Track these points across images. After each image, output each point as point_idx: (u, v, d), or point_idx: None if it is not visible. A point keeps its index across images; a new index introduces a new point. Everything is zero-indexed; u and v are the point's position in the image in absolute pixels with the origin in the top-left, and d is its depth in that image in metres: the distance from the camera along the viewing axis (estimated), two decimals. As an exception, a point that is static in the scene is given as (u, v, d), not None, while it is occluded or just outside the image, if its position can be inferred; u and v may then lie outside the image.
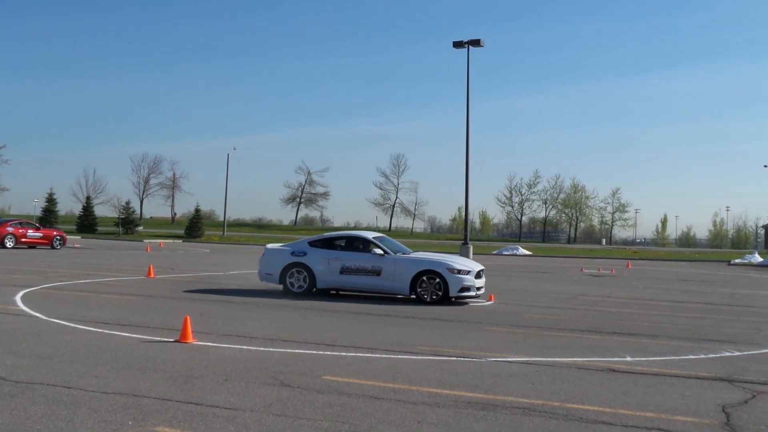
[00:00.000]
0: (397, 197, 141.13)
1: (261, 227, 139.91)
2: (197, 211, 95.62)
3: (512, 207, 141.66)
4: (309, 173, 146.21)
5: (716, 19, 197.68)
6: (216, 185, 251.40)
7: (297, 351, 10.73)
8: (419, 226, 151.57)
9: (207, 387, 8.18)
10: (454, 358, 10.52)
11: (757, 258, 61.85)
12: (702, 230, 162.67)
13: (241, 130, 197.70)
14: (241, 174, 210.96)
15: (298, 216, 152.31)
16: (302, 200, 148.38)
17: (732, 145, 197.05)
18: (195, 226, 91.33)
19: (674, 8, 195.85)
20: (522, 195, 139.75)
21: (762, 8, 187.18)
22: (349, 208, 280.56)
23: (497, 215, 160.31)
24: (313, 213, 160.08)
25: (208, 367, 9.30)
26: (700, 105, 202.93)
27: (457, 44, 50.65)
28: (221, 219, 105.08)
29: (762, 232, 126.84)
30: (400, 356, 10.57)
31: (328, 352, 10.68)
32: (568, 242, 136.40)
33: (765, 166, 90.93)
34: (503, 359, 10.58)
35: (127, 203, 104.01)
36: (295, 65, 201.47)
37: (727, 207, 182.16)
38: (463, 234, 56.23)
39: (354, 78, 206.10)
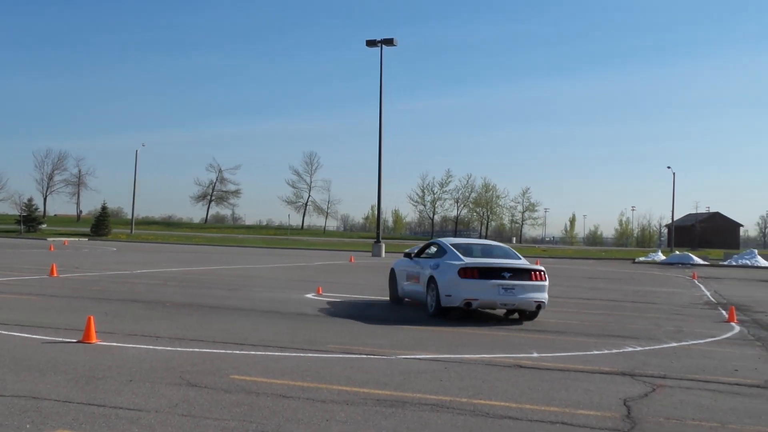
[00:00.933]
0: (309, 195, 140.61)
1: (170, 225, 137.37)
2: (104, 208, 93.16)
3: (425, 206, 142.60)
4: (220, 171, 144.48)
5: (622, 24, 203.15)
6: (124, 182, 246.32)
7: (205, 350, 10.56)
8: (332, 224, 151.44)
9: (110, 388, 7.97)
10: (364, 356, 10.52)
11: (660, 256, 63.82)
12: (609, 229, 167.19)
13: (150, 126, 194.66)
14: (150, 171, 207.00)
15: (209, 214, 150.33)
16: (213, 198, 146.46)
17: (637, 146, 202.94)
18: (101, 224, 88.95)
19: (581, 13, 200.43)
20: (434, 194, 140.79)
21: (666, 14, 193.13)
22: (262, 206, 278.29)
23: (410, 214, 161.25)
24: (224, 211, 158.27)
25: (112, 368, 9.07)
26: (607, 107, 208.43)
27: (371, 43, 50.78)
28: (129, 217, 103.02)
29: (665, 231, 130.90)
30: (310, 355, 10.52)
31: (237, 351, 10.55)
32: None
33: (668, 168, 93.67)
34: (413, 356, 10.63)
35: (30, 200, 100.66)
36: (208, 61, 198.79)
37: (632, 207, 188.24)
38: (375, 232, 56.34)
39: (267, 75, 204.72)
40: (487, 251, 16.47)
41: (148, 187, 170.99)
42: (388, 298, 19.23)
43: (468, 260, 15.36)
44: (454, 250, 15.93)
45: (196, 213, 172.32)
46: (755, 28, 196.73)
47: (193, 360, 9.77)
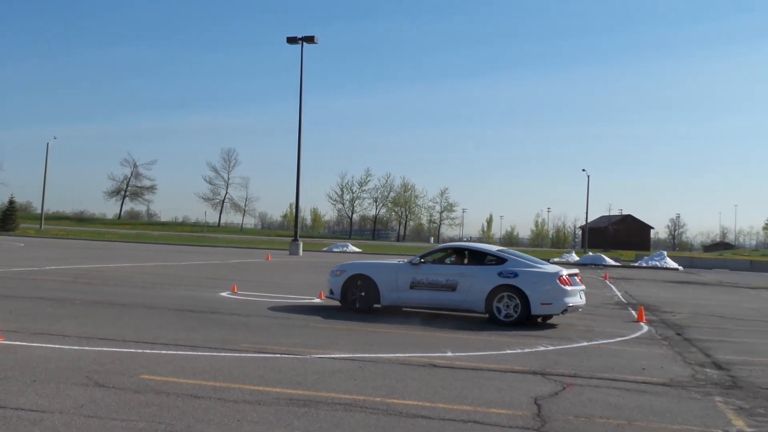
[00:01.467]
0: (227, 192, 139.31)
1: (82, 221, 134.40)
2: (11, 202, 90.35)
3: (343, 204, 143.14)
4: (135, 165, 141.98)
5: (537, 27, 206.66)
6: (34, 176, 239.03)
7: (114, 350, 10.32)
8: (250, 222, 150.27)
9: (13, 389, 7.71)
10: (278, 356, 10.43)
11: (574, 257, 65.28)
12: (525, 230, 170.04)
13: (63, 119, 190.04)
14: (62, 165, 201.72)
15: (123, 210, 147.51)
16: (127, 193, 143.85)
17: (554, 148, 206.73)
18: (9, 219, 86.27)
19: (498, 15, 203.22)
20: (353, 193, 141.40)
21: (577, 19, 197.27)
22: (178, 202, 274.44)
23: (329, 212, 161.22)
24: (139, 207, 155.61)
25: (15, 368, 8.77)
26: (524, 109, 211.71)
27: (291, 40, 50.54)
28: (38, 211, 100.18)
29: (579, 232, 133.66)
30: (222, 354, 10.38)
31: (148, 351, 10.33)
32: (398, 240, 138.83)
33: (583, 170, 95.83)
34: (327, 356, 10.58)
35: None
36: (124, 55, 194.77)
37: (548, 208, 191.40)
38: (293, 230, 56.09)
39: (185, 70, 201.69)
40: (522, 256, 16.64)
41: (60, 181, 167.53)
42: (304, 298, 19.13)
43: (552, 267, 16.04)
44: (517, 258, 16.19)
45: (109, 209, 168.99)
46: (666, 33, 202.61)
47: (101, 359, 9.53)
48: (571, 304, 15.39)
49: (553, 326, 15.24)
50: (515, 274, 15.37)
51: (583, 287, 16.02)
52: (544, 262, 16.79)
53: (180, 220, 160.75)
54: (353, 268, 16.96)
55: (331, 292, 17.00)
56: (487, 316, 15.49)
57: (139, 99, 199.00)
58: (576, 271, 16.34)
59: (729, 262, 68.09)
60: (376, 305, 16.53)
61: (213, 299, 17.95)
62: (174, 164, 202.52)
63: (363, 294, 16.48)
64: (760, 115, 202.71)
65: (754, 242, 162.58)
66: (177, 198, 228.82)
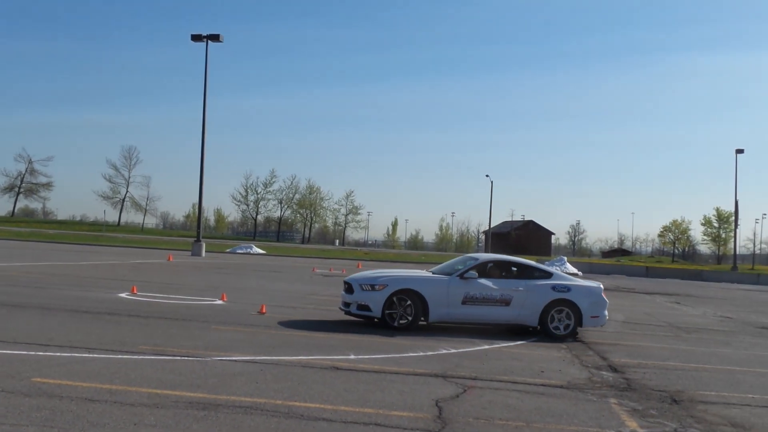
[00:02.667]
0: (128, 191, 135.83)
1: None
2: None
3: (248, 205, 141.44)
4: (30, 162, 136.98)
5: (446, 35, 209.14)
6: None
7: (4, 352, 9.93)
8: (151, 221, 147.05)
9: None
10: (178, 358, 10.23)
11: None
12: (430, 234, 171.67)
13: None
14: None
15: (17, 207, 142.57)
16: (22, 190, 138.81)
17: (459, 154, 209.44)
18: None
19: (410, 20, 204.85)
20: (258, 194, 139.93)
21: (486, 28, 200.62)
22: (76, 200, 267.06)
23: (233, 213, 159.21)
24: (34, 204, 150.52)
25: None
26: (429, 115, 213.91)
27: (196, 38, 49.84)
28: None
29: (483, 237, 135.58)
30: (120, 356, 10.12)
31: (41, 353, 9.99)
32: (303, 242, 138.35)
33: (487, 176, 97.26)
34: (228, 358, 10.44)
35: None
36: (19, 47, 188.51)
37: (452, 213, 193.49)
38: (196, 231, 55.24)
39: (85, 65, 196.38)
40: (559, 270, 16.74)
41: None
42: (206, 299, 18.88)
43: (594, 282, 16.49)
44: (558, 271, 16.36)
45: (2, 206, 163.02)
46: (567, 44, 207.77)
47: (-9, 362, 9.17)
48: (608, 317, 16.23)
49: (457, 330, 15.37)
50: (568, 288, 15.56)
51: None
52: (574, 276, 17.13)
53: (78, 218, 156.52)
54: (397, 283, 15.30)
55: (362, 308, 15.22)
56: (540, 329, 15.53)
57: (36, 94, 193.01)
58: None
59: (626, 268, 70.29)
60: (422, 322, 15.33)
61: (111, 300, 17.50)
62: (72, 161, 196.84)
63: (410, 310, 15.04)
64: (658, 125, 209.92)
65: (650, 249, 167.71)
66: (75, 196, 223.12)
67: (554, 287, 15.51)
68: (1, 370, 8.70)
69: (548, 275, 15.90)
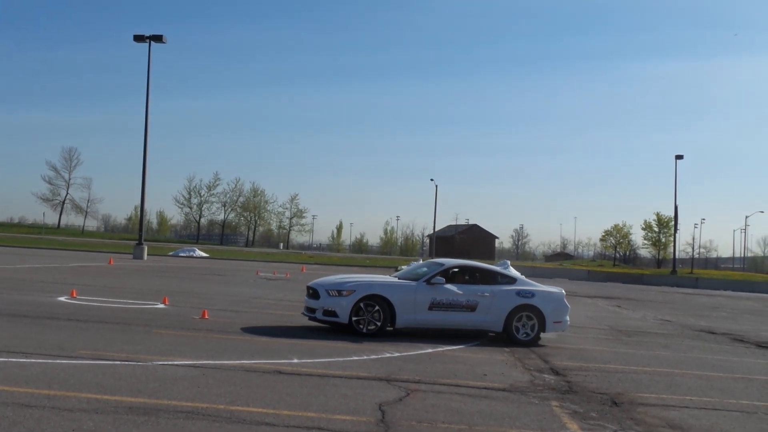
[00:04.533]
0: (68, 193, 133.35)
1: None
2: None
3: (191, 208, 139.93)
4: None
5: (394, 37, 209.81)
6: None
7: (-61, 357, 9.71)
8: (92, 224, 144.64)
9: None
10: (118, 363, 10.09)
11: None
12: (374, 237, 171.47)
13: None
14: None
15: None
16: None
17: (404, 158, 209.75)
18: None
19: (354, 22, 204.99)
20: (201, 197, 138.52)
21: (438, 31, 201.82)
22: (13, 202, 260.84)
23: (176, 216, 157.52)
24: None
25: None
26: (373, 117, 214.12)
27: (138, 38, 49.34)
28: None
29: (427, 240, 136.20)
30: (58, 361, 9.93)
31: (-24, 358, 9.78)
32: (246, 245, 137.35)
33: (431, 180, 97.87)
34: (170, 362, 10.32)
35: None
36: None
37: (397, 216, 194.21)
38: (138, 234, 54.55)
39: (23, 64, 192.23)
40: (520, 275, 16.98)
41: None
42: (148, 303, 18.66)
43: (552, 287, 16.55)
44: (521, 276, 16.42)
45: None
46: (518, 51, 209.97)
47: (-77, 367, 8.94)
48: (569, 322, 16.36)
49: (401, 334, 15.39)
50: (532, 294, 15.62)
51: None
52: (535, 282, 17.05)
53: (16, 220, 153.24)
54: (365, 288, 15.12)
55: (328, 314, 15.00)
56: (504, 335, 15.52)
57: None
58: None
59: (568, 272, 71.16)
60: (388, 328, 15.11)
61: (50, 304, 17.17)
62: (10, 162, 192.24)
63: (378, 316, 14.87)
64: (601, 130, 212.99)
65: (591, 253, 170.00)
66: (13, 198, 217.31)
67: (519, 293, 15.60)
68: (-66, 375, 8.50)
69: (512, 281, 16.07)
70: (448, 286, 15.43)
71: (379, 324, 14.82)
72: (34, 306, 16.52)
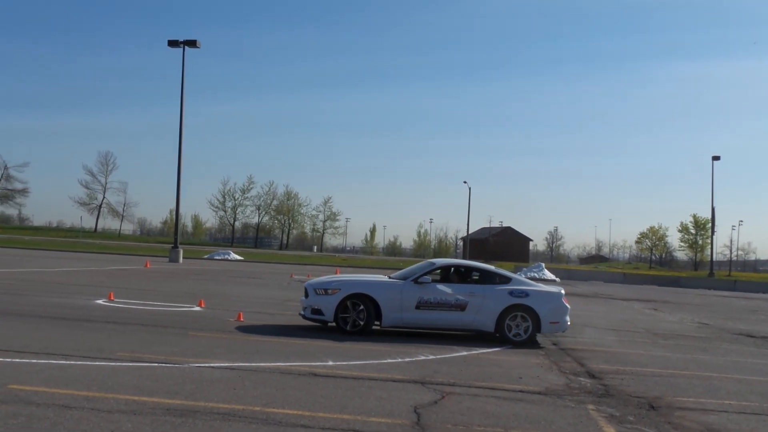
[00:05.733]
0: (104, 197, 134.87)
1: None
2: None
3: (225, 211, 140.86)
4: (6, 168, 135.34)
5: (425, 39, 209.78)
6: None
7: (-20, 358, 9.86)
8: (128, 228, 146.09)
9: None
10: (155, 364, 10.18)
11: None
12: (408, 240, 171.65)
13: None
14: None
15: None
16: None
17: (437, 160, 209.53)
18: None
19: (385, 26, 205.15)
20: (235, 200, 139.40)
21: (468, 31, 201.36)
22: (52, 206, 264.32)
23: (210, 219, 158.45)
24: (10, 210, 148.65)
25: None
26: (407, 121, 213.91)
27: (173, 43, 49.74)
28: None
29: (461, 243, 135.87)
30: (97, 363, 10.05)
31: (17, 360, 9.92)
32: (281, 248, 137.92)
33: (465, 182, 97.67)
34: (206, 365, 10.39)
35: None
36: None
37: (430, 219, 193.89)
38: (173, 237, 54.97)
39: (61, 69, 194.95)
40: (519, 275, 16.74)
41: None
42: (183, 306, 18.81)
43: (557, 287, 16.32)
44: (518, 276, 16.15)
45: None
46: (545, 49, 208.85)
47: (-34, 369, 9.09)
48: (569, 323, 15.91)
49: (436, 336, 15.37)
50: (526, 294, 15.38)
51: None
52: (534, 281, 16.92)
53: (54, 225, 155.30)
54: (350, 287, 15.41)
55: (316, 312, 15.32)
56: (497, 335, 15.35)
57: (11, 99, 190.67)
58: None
59: (603, 275, 70.58)
60: (375, 327, 15.36)
61: (88, 307, 17.39)
62: (49, 167, 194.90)
63: (363, 315, 15.08)
64: (636, 132, 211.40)
65: (627, 255, 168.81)
66: (52, 202, 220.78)
67: (512, 292, 15.38)
68: (-24, 377, 8.64)
69: (507, 280, 15.80)
70: (437, 285, 15.51)
71: (363, 322, 15.04)
72: (73, 309, 16.73)
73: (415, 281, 15.44)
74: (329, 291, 15.31)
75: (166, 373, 9.60)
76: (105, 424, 6.90)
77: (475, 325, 15.36)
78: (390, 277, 16.46)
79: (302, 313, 15.83)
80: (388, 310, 15.15)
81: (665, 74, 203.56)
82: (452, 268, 16.38)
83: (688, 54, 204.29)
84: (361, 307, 15.07)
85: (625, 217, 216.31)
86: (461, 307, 15.26)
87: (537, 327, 15.25)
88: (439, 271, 16.11)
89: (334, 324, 15.17)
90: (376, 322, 15.22)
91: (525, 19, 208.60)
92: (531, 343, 15.11)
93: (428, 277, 15.47)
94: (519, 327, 15.24)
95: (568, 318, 15.81)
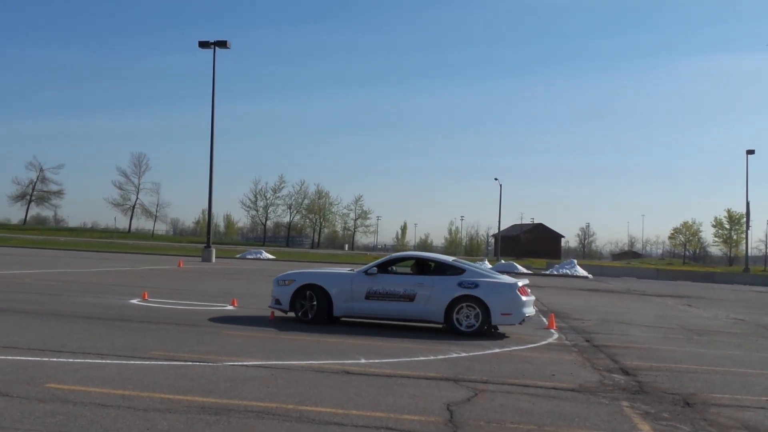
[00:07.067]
0: (137, 198, 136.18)
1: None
2: None
3: (257, 211, 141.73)
4: (41, 170, 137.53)
5: (452, 39, 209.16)
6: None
7: (19, 358, 10.00)
8: (161, 228, 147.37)
9: None
10: (189, 363, 10.27)
11: (487, 265, 65.93)
12: (439, 237, 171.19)
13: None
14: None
15: (29, 215, 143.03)
16: (33, 198, 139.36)
17: (467, 157, 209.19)
18: None
19: (417, 24, 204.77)
20: (267, 199, 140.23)
21: (499, 29, 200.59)
22: (86, 207, 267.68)
23: (242, 219, 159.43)
24: (45, 212, 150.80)
25: None
26: (437, 118, 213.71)
27: (203, 44, 50.03)
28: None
29: (492, 240, 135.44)
30: (132, 362, 10.16)
31: (54, 359, 10.05)
32: (312, 247, 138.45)
33: (495, 179, 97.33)
34: (240, 363, 10.47)
35: None
36: (29, 54, 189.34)
37: (461, 216, 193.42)
38: (206, 237, 55.36)
39: (94, 72, 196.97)
40: (478, 267, 16.53)
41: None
42: (216, 305, 18.95)
43: (508, 278, 16.11)
44: (475, 268, 16.09)
45: (14, 214, 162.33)
46: (578, 45, 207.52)
47: (5, 368, 9.22)
48: (527, 315, 15.61)
49: (468, 334, 15.36)
50: (476, 285, 15.30)
51: (534, 298, 16.25)
52: (496, 272, 16.82)
53: (89, 225, 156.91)
54: (303, 278, 16.20)
55: (277, 302, 16.19)
56: (445, 326, 15.43)
57: (45, 101, 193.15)
58: (528, 281, 16.46)
59: (636, 271, 70.10)
60: (329, 316, 15.85)
61: (122, 306, 17.58)
62: (83, 168, 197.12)
63: (315, 305, 15.73)
64: (668, 127, 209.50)
65: (660, 251, 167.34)
66: (86, 203, 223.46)
67: (461, 283, 15.33)
68: (15, 376, 8.77)
69: (460, 271, 15.73)
70: (386, 276, 15.84)
71: (313, 312, 15.72)
72: (108, 308, 16.93)
73: (366, 272, 15.94)
74: (286, 282, 16.16)
75: (200, 372, 9.69)
76: (141, 422, 6.97)
77: (425, 316, 15.54)
78: (350, 270, 16.86)
79: (270, 303, 16.58)
80: (338, 300, 15.74)
81: (699, 69, 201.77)
82: (403, 260, 16.96)
83: (722, 48, 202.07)
84: (312, 297, 15.77)
85: (657, 212, 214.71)
86: (410, 297, 15.47)
87: (487, 318, 15.16)
88: (391, 262, 16.52)
89: (292, 314, 16.04)
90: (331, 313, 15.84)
91: (559, 15, 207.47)
92: (481, 334, 15.03)
93: (375, 269, 15.96)
94: (469, 318, 15.23)
95: (526, 310, 15.44)
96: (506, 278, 16.08)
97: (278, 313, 16.59)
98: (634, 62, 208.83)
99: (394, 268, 16.38)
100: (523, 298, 15.36)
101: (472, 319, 15.18)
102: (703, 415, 8.86)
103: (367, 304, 15.66)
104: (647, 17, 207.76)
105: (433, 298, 15.36)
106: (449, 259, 16.91)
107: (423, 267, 16.25)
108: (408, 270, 16.35)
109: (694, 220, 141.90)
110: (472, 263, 17.12)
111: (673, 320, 22.31)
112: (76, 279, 27.04)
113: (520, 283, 15.64)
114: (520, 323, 15.62)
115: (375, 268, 15.97)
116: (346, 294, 15.71)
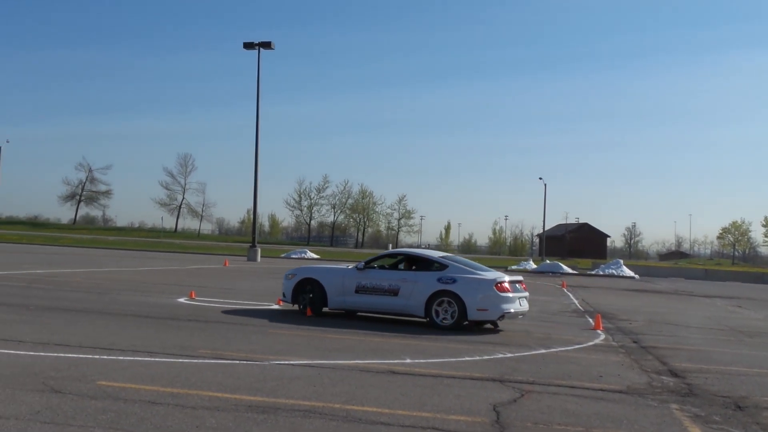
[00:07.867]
0: (184, 198, 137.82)
1: (36, 225, 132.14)
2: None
3: (301, 211, 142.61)
4: (90, 170, 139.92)
5: (492, 35, 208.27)
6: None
7: (70, 355, 10.18)
8: (207, 227, 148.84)
9: (-34, 395, 7.56)
10: (237, 362, 10.36)
11: (531, 264, 65.87)
12: (483, 237, 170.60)
13: (16, 121, 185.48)
14: (15, 168, 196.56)
15: (79, 215, 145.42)
16: (83, 198, 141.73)
17: (511, 157, 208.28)
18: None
19: (457, 22, 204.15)
20: (311, 199, 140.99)
21: (539, 27, 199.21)
22: (134, 207, 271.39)
23: (287, 218, 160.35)
24: (94, 212, 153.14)
25: (-31, 374, 8.62)
26: (481, 118, 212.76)
27: (248, 45, 50.43)
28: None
29: (537, 240, 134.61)
30: (180, 360, 10.28)
31: (105, 357, 10.21)
32: (356, 247, 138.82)
33: (540, 179, 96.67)
34: (286, 362, 10.53)
35: None
36: (79, 57, 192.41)
37: (505, 216, 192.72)
38: (251, 236, 55.79)
39: (141, 73, 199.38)
40: (466, 263, 16.72)
41: (13, 185, 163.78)
42: (262, 303, 19.08)
43: (492, 274, 16.05)
44: (458, 264, 16.31)
45: (64, 213, 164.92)
46: (619, 43, 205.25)
47: (57, 366, 9.39)
48: (510, 311, 15.48)
49: (508, 333, 15.29)
50: (453, 280, 15.58)
51: (525, 294, 16.25)
52: (488, 269, 16.83)
53: (136, 225, 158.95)
54: (303, 272, 17.32)
55: (284, 295, 17.35)
56: (427, 320, 15.73)
57: (94, 102, 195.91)
58: (519, 278, 16.60)
59: (684, 271, 69.06)
60: (324, 309, 16.79)
61: (170, 305, 17.78)
62: (130, 169, 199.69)
63: (311, 297, 16.75)
64: (716, 124, 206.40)
65: (708, 251, 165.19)
66: (133, 203, 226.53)
67: (440, 278, 15.71)
68: (67, 373, 8.92)
69: (443, 267, 16.01)
70: (375, 271, 16.54)
71: (308, 304, 16.67)
72: (156, 307, 17.14)
73: (357, 268, 16.74)
74: (290, 276, 17.36)
75: (247, 370, 9.77)
76: (189, 419, 7.05)
77: (407, 310, 16.04)
78: (349, 265, 17.64)
79: (280, 296, 17.77)
80: (332, 293, 16.65)
81: (748, 64, 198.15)
82: (393, 256, 17.68)
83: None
84: (309, 290, 16.81)
85: (705, 212, 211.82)
86: (394, 292, 16.06)
87: (463, 313, 15.34)
88: (381, 258, 17.23)
89: (296, 306, 17.07)
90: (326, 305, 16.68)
91: (595, 11, 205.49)
92: (458, 328, 15.30)
93: (363, 264, 16.76)
94: (447, 312, 15.50)
95: (506, 306, 15.35)
96: (489, 274, 16.08)
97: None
98: (682, 58, 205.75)
99: (384, 264, 17.03)
100: (502, 294, 15.35)
101: (449, 314, 15.49)
102: (755, 418, 8.71)
103: (356, 297, 16.46)
104: (696, 13, 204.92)
105: (415, 293, 15.82)
106: (436, 255, 17.16)
107: (410, 263, 16.84)
108: (401, 266, 16.91)
109: (743, 220, 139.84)
110: (463, 259, 17.49)
111: (722, 322, 21.97)
112: (124, 278, 27.42)
113: (502, 279, 15.64)
114: (499, 319, 15.55)
115: (364, 263, 16.69)
116: (338, 288, 16.61)
